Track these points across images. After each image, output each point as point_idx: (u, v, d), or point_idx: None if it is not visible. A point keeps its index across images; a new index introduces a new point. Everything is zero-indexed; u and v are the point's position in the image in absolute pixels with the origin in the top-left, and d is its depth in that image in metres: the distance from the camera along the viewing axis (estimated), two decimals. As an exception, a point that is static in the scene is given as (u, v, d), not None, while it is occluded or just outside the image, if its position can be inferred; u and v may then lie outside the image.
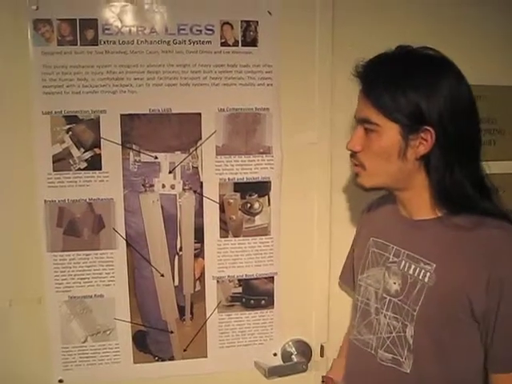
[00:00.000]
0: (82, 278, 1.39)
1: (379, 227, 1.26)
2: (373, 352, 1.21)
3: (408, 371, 1.13)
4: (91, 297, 1.40)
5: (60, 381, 1.42)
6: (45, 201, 1.35)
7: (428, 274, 1.10)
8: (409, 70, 1.07)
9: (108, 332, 1.42)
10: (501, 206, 1.12)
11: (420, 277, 1.12)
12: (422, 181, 1.11)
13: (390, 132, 1.07)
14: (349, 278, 1.41)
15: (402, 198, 1.17)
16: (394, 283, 1.16)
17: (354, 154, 1.15)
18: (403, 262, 1.16)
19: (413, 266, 1.13)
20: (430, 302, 1.10)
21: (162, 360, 1.46)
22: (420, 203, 1.13)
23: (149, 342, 1.45)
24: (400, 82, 1.05)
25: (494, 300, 1.05)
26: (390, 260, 1.19)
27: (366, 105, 1.10)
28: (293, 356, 1.51)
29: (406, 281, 1.14)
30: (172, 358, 1.46)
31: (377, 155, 1.11)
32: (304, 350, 1.52)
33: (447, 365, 1.11)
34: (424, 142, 1.06)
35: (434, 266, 1.10)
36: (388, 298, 1.17)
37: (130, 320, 1.43)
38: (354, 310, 1.31)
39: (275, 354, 1.51)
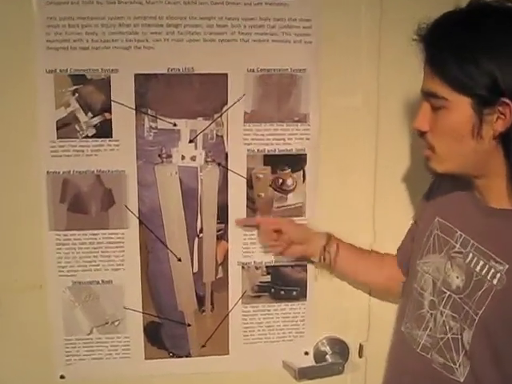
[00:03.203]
0: (88, 261, 1.43)
1: (448, 207, 1.25)
2: (419, 351, 1.24)
3: (461, 380, 1.16)
4: (98, 282, 1.44)
5: (61, 377, 1.46)
6: (47, 172, 1.38)
7: (498, 274, 1.10)
8: (480, 31, 1.05)
9: (116, 323, 1.46)
10: None
11: (488, 276, 1.11)
12: (500, 165, 1.10)
13: (460, 107, 1.07)
14: (404, 260, 1.42)
15: (478, 185, 1.17)
16: (457, 277, 1.17)
17: (422, 135, 1.15)
18: (470, 254, 1.16)
19: (481, 263, 1.13)
20: (496, 308, 1.10)
21: (178, 356, 1.50)
22: (499, 191, 1.13)
23: (163, 336, 1.48)
24: (470, 47, 1.04)
25: None
26: (456, 249, 1.19)
27: (431, 76, 1.09)
28: (327, 356, 1.54)
29: (471, 278, 1.14)
30: (189, 355, 1.50)
31: (447, 135, 1.10)
32: (340, 349, 1.55)
33: (509, 379, 1.12)
34: (502, 117, 1.05)
35: (507, 266, 1.09)
36: (448, 293, 1.18)
37: (141, 310, 1.46)
38: (404, 296, 1.34)
39: (307, 353, 1.54)
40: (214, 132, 1.43)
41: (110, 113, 1.38)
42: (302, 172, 1.48)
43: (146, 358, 1.50)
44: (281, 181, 1.47)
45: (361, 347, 1.58)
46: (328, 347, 1.56)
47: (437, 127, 1.12)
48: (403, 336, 1.30)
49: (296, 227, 1.45)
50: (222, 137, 1.43)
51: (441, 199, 1.29)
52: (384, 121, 1.48)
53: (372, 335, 1.58)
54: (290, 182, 1.48)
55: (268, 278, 1.51)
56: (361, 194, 1.51)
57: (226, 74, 1.40)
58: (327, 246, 1.44)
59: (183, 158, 1.42)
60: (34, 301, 1.44)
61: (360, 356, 1.59)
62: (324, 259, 1.44)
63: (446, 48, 1.07)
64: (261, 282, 1.51)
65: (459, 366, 1.16)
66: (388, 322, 1.45)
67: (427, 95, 1.12)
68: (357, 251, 1.49)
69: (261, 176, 1.46)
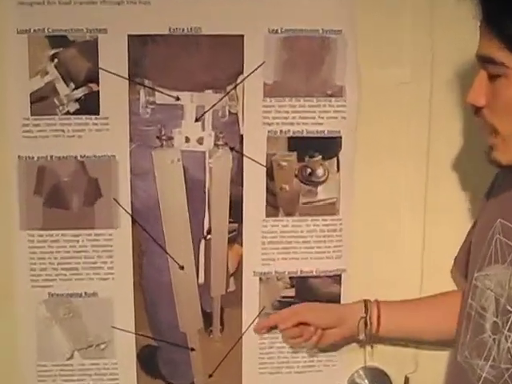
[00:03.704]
0: (68, 269, 1.38)
1: None
2: None
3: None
4: (81, 295, 1.39)
5: (33, 412, 1.43)
6: (19, 157, 1.33)
7: None
8: None
9: (103, 346, 1.42)
10: None
11: None
12: None
13: None
14: (465, 267, 1.38)
15: None
16: None
17: (477, 111, 1.11)
18: None
19: None
20: None
21: (179, 388, 1.47)
22: None
23: (159, 362, 1.45)
24: None
25: None
26: None
27: (487, 38, 1.05)
28: (364, 390, 1.48)
29: None
30: (192, 386, 1.47)
31: (507, 110, 1.06)
32: (381, 382, 1.50)
33: None
34: None
35: None
36: None
37: (134, 330, 1.42)
38: (460, 317, 1.29)
39: (340, 387, 1.48)
40: (227, 108, 1.37)
41: (97, 83, 1.33)
42: (335, 159, 1.42)
43: (139, 389, 1.47)
44: (309, 170, 1.41)
45: (406, 380, 1.52)
46: (366, 380, 1.50)
47: (496, 101, 1.07)
48: (460, 367, 1.23)
49: (318, 312, 1.41)
50: (236, 114, 1.38)
51: (503, 197, 1.23)
52: (438, 97, 1.42)
53: (421, 365, 1.52)
54: (320, 171, 1.42)
55: (292, 292, 1.45)
56: (410, 186, 1.46)
57: (241, 36, 1.34)
58: (367, 316, 1.41)
59: (188, 140, 1.37)
60: (1, 317, 1.39)
61: (405, 391, 1.52)
62: (370, 334, 1.40)
63: (506, 3, 1.02)
64: (283, 297, 1.45)
65: (530, 405, 1.11)
66: (440, 350, 1.42)
67: (483, 61, 1.08)
68: (404, 307, 1.45)
69: (284, 164, 1.41)
